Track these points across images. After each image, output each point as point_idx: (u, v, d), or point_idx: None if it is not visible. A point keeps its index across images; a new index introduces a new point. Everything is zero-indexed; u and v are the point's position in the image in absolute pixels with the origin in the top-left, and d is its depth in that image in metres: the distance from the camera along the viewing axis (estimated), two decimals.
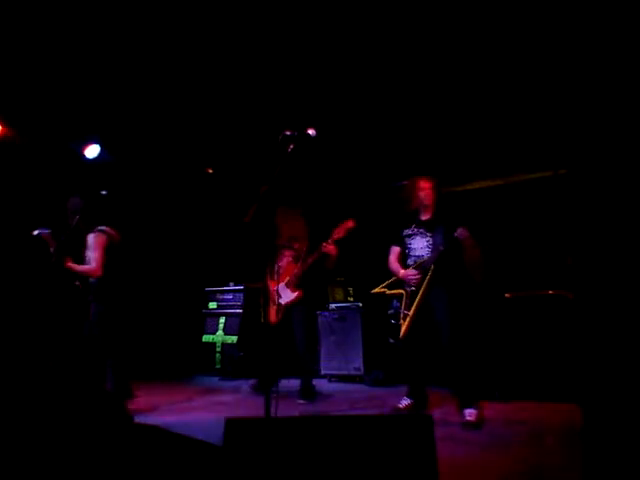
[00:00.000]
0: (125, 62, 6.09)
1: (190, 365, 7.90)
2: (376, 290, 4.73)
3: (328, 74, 6.13)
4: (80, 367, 5.33)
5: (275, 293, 5.60)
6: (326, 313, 6.88)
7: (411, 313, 4.38)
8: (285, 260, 5.70)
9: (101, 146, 7.39)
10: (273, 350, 5.41)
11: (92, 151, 7.39)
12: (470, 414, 4.10)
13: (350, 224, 5.32)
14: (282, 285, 5.61)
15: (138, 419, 3.54)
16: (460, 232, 4.23)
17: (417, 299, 4.38)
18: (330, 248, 5.31)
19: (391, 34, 5.46)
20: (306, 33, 5.57)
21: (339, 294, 7.35)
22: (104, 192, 5.13)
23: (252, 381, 5.96)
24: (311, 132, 3.44)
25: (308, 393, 5.42)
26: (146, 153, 7.80)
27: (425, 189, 4.59)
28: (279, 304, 5.61)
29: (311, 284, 5.62)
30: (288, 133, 3.40)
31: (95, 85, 6.44)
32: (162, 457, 2.39)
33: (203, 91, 6.62)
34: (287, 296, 5.58)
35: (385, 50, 5.67)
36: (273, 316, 5.65)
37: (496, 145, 6.29)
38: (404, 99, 6.27)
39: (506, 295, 5.42)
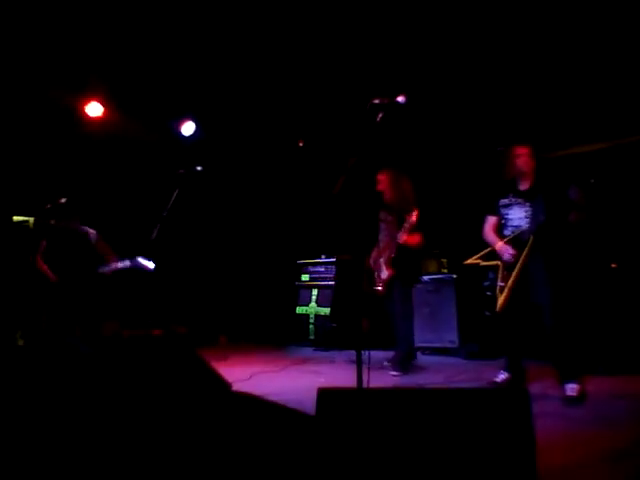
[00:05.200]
0: (217, 39, 6.21)
1: (284, 335, 8.08)
2: (470, 261, 4.58)
3: (418, 37, 5.96)
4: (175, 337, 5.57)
5: (377, 264, 5.63)
6: (419, 285, 6.78)
7: (509, 285, 4.22)
8: (384, 233, 5.63)
9: (196, 123, 7.61)
10: (369, 320, 5.37)
11: (188, 128, 7.64)
12: (572, 389, 3.92)
13: (414, 218, 5.16)
14: (382, 260, 5.58)
15: (235, 387, 3.66)
16: (574, 192, 3.90)
17: (515, 271, 4.20)
18: (404, 240, 5.23)
19: None
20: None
21: (432, 266, 7.23)
22: (199, 168, 5.26)
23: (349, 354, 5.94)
24: (401, 99, 3.32)
25: (401, 365, 5.39)
26: (238, 128, 7.96)
27: (522, 155, 4.34)
28: (379, 277, 5.62)
29: (404, 262, 5.48)
30: (377, 101, 3.31)
31: (190, 64, 6.61)
32: (256, 424, 2.45)
33: (292, 64, 6.63)
34: (384, 272, 5.53)
35: (478, 9, 5.44)
36: (382, 288, 5.63)
37: (602, 105, 5.88)
38: (500, 59, 6.00)
39: (612, 265, 5.12)
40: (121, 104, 7.19)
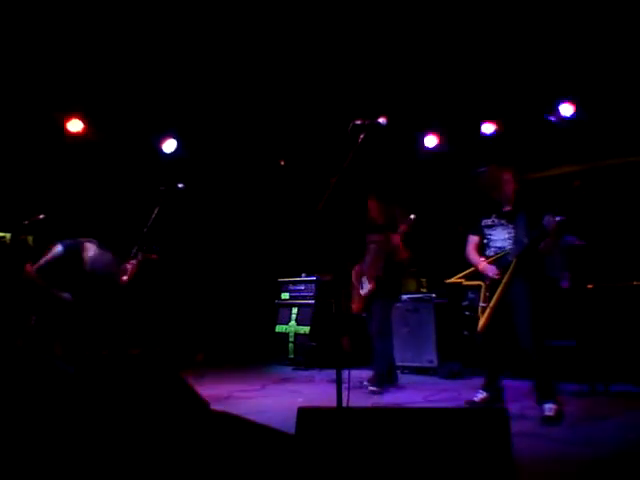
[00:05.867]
0: (199, 59, 6.23)
1: (264, 354, 8.03)
2: (452, 280, 4.62)
3: (398, 62, 6.05)
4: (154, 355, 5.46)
5: (360, 279, 5.75)
6: (399, 304, 6.80)
7: (491, 306, 4.25)
8: (373, 253, 5.72)
9: (178, 141, 7.60)
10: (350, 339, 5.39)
11: (169, 146, 7.62)
12: (549, 409, 3.95)
13: (412, 219, 5.40)
14: (366, 276, 5.67)
15: (213, 406, 3.62)
16: (548, 220, 3.96)
17: (498, 292, 4.23)
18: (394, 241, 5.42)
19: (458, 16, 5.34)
20: (372, 22, 5.53)
21: (412, 285, 7.27)
22: (180, 185, 5.26)
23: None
24: (382, 121, 3.36)
25: (378, 382, 5.40)
26: (220, 147, 7.96)
27: (509, 182, 4.42)
28: (359, 295, 5.71)
29: (385, 277, 5.57)
30: (358, 122, 3.35)
31: (172, 81, 6.62)
32: (236, 444, 2.43)
33: (275, 85, 6.68)
34: (366, 286, 5.62)
35: (453, 32, 5.55)
36: (356, 305, 5.77)
37: (581, 129, 6.02)
38: (476, 81, 6.11)
39: (588, 286, 5.20)
40: (102, 121, 7.16)
